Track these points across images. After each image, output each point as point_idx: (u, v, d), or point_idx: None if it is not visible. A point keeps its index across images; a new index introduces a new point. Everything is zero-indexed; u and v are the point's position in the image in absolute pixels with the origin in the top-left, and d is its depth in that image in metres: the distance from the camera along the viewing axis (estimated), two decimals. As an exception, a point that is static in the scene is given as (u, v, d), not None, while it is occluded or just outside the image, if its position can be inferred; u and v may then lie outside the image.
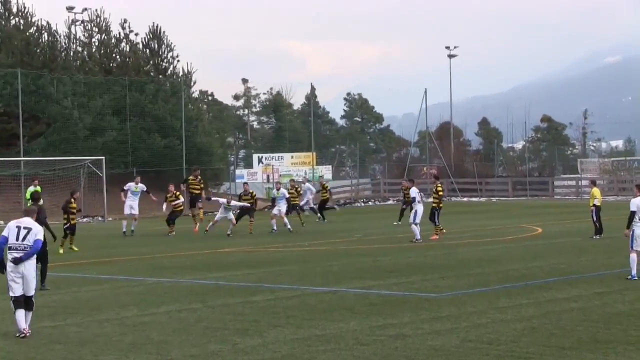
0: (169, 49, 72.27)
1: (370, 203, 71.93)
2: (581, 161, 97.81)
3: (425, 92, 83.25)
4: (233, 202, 38.09)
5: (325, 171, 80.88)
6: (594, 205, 32.98)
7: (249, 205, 38.10)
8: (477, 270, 23.18)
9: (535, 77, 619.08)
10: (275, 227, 38.07)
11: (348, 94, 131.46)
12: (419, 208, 31.98)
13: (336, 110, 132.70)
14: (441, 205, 33.83)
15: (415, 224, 31.73)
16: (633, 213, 20.78)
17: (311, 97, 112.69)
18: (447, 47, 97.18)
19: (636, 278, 20.32)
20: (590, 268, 23.26)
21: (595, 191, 33.77)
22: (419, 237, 31.66)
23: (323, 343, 13.96)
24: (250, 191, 39.10)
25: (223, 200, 38.47)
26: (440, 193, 34.14)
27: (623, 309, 16.62)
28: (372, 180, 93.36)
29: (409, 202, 36.25)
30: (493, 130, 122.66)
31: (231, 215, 36.99)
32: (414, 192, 32.58)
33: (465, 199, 75.89)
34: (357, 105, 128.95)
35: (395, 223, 41.32)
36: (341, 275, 22.55)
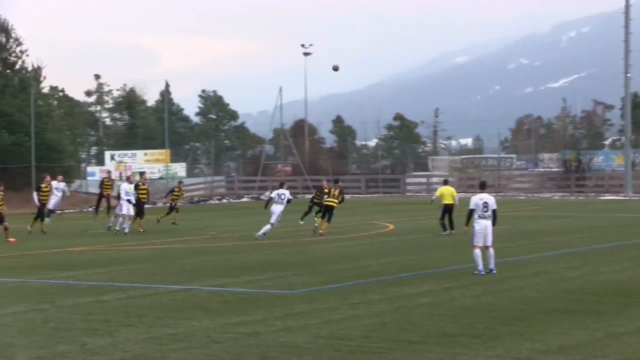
0: (17, 42, 70.54)
1: (224, 200, 71.77)
2: (432, 159, 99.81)
3: (280, 89, 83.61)
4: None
5: (180, 168, 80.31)
6: (443, 204, 33.58)
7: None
8: (330, 267, 23.38)
9: (389, 75, 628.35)
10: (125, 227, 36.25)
11: (203, 90, 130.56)
12: None
13: (191, 107, 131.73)
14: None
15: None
16: (472, 211, 21.36)
17: (165, 93, 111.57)
18: (303, 45, 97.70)
19: (483, 273, 20.84)
20: (440, 264, 23.73)
21: (444, 189, 34.12)
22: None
23: (175, 342, 13.85)
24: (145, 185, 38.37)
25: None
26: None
27: (470, 303, 17.02)
28: (226, 178, 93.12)
29: (320, 203, 36.42)
30: (347, 128, 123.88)
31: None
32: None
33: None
34: (212, 102, 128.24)
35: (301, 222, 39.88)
36: (194, 274, 22.42)
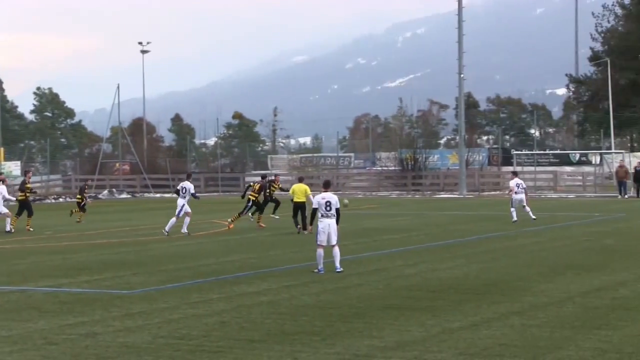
0: None
1: (61, 200, 70.32)
2: (271, 157, 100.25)
3: (118, 87, 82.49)
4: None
5: (14, 167, 78.33)
6: (295, 201, 33.39)
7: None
8: (170, 266, 23.23)
9: (228, 74, 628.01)
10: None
11: (38, 88, 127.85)
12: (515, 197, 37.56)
13: (25, 105, 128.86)
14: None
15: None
16: (315, 210, 21.61)
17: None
18: (140, 43, 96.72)
19: (322, 272, 21.03)
20: (279, 262, 23.85)
21: (296, 187, 33.92)
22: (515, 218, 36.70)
23: (9, 344, 13.52)
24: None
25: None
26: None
27: (309, 301, 17.18)
28: (63, 177, 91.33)
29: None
30: (186, 127, 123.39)
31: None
32: (512, 183, 38.43)
33: (158, 195, 75.75)
34: (48, 100, 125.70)
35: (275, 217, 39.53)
36: (29, 274, 21.92)
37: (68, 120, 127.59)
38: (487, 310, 15.94)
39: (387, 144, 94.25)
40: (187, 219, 33.73)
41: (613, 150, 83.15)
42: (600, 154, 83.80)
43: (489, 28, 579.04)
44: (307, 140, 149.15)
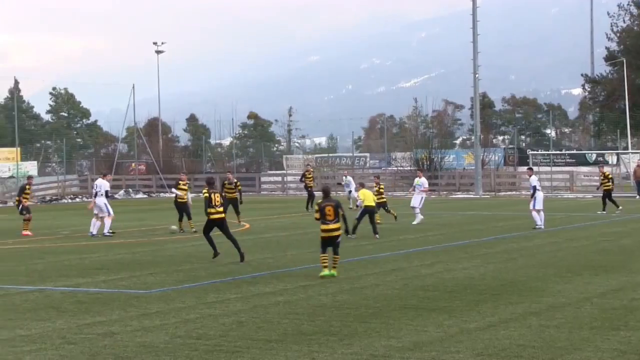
0: None
1: (77, 199, 70.53)
2: (287, 157, 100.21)
3: (133, 87, 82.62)
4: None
5: (31, 167, 78.54)
6: (365, 206, 32.55)
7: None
8: (186, 266, 23.27)
9: (243, 74, 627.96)
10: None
11: (54, 88, 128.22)
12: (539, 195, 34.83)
13: (41, 105, 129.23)
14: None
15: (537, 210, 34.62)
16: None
17: (15, 91, 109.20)
18: (155, 43, 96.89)
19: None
20: (296, 262, 23.86)
21: (365, 192, 33.19)
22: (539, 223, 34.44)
23: (28, 343, 13.58)
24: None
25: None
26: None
27: (326, 301, 17.17)
28: (79, 177, 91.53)
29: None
30: (201, 127, 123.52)
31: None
32: (534, 180, 35.34)
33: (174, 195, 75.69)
34: (63, 100, 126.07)
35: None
36: (47, 274, 22.00)
37: (84, 121, 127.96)
38: (504, 310, 15.91)
39: (403, 144, 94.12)
40: (108, 222, 33.11)
41: (630, 150, 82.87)
42: (617, 154, 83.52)
43: (504, 28, 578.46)
44: (322, 140, 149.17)
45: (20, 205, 36.07)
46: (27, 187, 37.82)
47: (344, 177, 55.10)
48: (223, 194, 34.96)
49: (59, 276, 21.49)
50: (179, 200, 35.02)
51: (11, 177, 74.90)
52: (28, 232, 35.01)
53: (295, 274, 21.26)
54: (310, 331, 14.25)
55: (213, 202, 23.80)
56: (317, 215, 20.88)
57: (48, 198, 70.95)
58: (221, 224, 24.02)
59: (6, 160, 77.05)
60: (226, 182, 39.48)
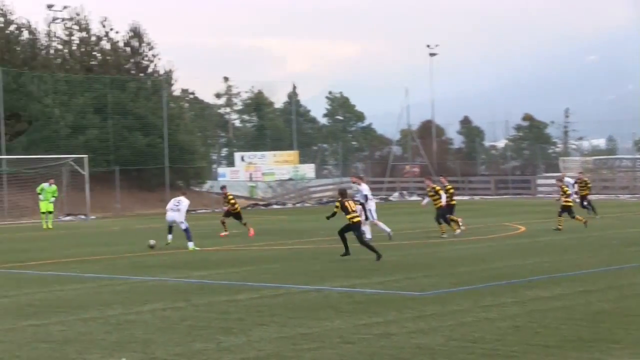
0: (149, 47, 72.23)
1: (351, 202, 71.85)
2: (563, 160, 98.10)
3: (407, 90, 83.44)
4: None
5: (308, 169, 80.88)
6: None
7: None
8: (461, 268, 23.19)
9: (516, 75, 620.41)
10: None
11: (329, 92, 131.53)
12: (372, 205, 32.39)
13: (317, 109, 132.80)
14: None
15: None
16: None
17: (293, 95, 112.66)
18: (428, 46, 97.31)
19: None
20: (574, 266, 23.28)
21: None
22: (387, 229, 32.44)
23: (308, 342, 13.91)
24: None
25: None
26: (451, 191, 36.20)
27: (607, 308, 16.61)
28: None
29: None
30: (475, 129, 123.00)
31: None
32: (365, 189, 32.56)
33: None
34: (339, 104, 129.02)
35: None
36: (325, 274, 22.52)
37: (358, 124, 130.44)
38: None
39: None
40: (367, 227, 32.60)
41: None
42: None
43: None
44: (600, 142, 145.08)
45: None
46: (225, 196, 38.42)
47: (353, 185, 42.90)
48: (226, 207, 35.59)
49: (336, 276, 21.92)
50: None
51: (289, 179, 77.34)
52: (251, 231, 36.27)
53: (573, 279, 20.74)
54: (591, 338, 13.81)
55: (349, 209, 26.19)
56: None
57: (325, 200, 72.68)
58: (356, 227, 26.25)
59: (285, 163, 79.68)
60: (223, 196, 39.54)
